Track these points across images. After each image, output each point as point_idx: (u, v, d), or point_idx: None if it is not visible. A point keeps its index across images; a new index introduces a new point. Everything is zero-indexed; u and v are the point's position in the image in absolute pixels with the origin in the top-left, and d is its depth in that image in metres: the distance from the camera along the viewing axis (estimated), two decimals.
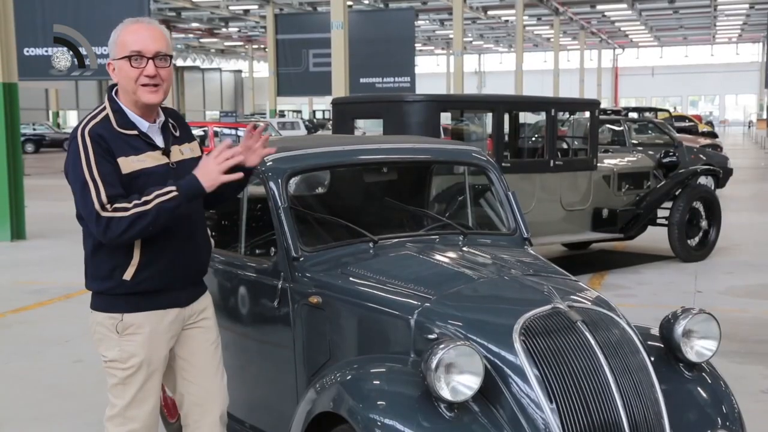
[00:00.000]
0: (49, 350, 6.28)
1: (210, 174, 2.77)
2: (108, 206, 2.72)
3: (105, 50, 13.34)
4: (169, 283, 2.94)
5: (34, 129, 38.49)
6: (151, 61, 2.83)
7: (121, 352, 2.92)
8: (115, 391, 2.96)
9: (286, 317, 3.46)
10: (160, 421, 3.19)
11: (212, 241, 3.24)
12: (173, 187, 2.75)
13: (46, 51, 13.40)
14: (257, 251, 4.05)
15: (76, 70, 13.46)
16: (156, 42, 2.85)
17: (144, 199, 2.73)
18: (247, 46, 58.81)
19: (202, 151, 3.08)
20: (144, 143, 2.88)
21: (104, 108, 2.90)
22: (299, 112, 55.19)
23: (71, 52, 13.29)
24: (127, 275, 2.86)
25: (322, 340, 3.33)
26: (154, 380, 2.99)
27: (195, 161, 2.92)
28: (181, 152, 2.98)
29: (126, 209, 2.72)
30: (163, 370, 3.03)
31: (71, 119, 56.70)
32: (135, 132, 2.88)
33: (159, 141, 2.93)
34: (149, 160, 2.86)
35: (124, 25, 2.90)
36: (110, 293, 2.91)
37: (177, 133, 3.02)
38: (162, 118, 2.97)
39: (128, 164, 2.81)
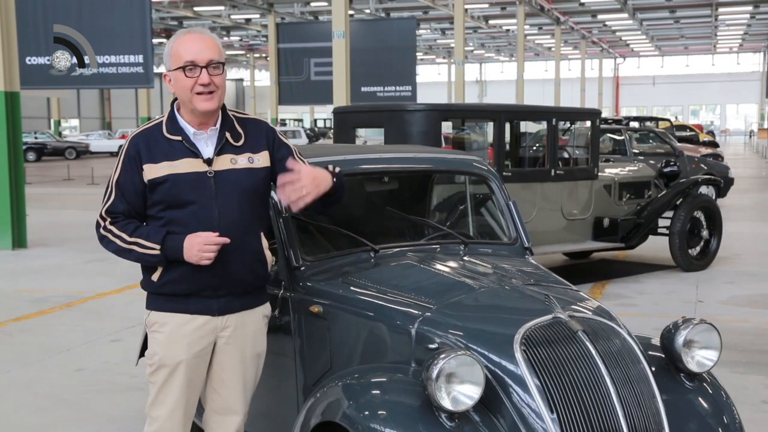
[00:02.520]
0: (50, 359, 6.28)
1: (191, 252, 2.88)
2: (107, 220, 2.96)
3: (107, 59, 13.40)
4: (195, 290, 2.96)
5: (36, 137, 38.54)
6: (204, 70, 2.91)
7: (149, 349, 3.06)
8: (149, 388, 3.09)
9: (286, 326, 3.46)
10: None
11: (269, 254, 3.15)
12: (158, 246, 2.90)
13: (48, 60, 13.42)
14: None
15: (75, 71, 13.45)
16: (208, 50, 2.93)
17: (131, 239, 2.92)
18: (248, 55, 58.94)
19: (278, 162, 3.06)
20: (185, 149, 2.95)
21: (164, 115, 3.04)
22: (300, 120, 55.37)
23: (71, 52, 13.27)
24: (155, 276, 2.99)
25: (322, 350, 3.33)
26: (175, 383, 3.00)
27: (250, 173, 2.99)
28: (231, 162, 2.98)
29: (116, 236, 2.94)
30: (185, 375, 3.00)
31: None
32: (179, 138, 2.96)
33: (204, 148, 2.97)
34: (184, 166, 2.93)
35: (176, 36, 2.99)
36: (147, 290, 3.07)
37: (238, 143, 3.02)
38: (217, 126, 3.00)
39: (154, 170, 2.92)
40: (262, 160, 3.04)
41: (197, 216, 2.91)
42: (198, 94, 2.91)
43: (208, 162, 2.95)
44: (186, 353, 2.99)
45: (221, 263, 2.93)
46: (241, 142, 3.02)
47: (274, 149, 3.08)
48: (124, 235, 2.93)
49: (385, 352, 3.09)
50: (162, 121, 3.01)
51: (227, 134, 3.01)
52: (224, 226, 2.92)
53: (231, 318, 3.04)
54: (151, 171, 2.92)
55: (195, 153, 2.95)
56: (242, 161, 3.00)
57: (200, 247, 2.86)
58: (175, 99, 3.05)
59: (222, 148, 2.99)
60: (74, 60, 13.40)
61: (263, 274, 3.13)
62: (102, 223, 2.98)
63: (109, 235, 2.95)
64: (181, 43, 2.94)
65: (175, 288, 2.97)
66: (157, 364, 3.01)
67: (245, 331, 3.08)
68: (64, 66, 13.36)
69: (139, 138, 2.98)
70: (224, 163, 2.97)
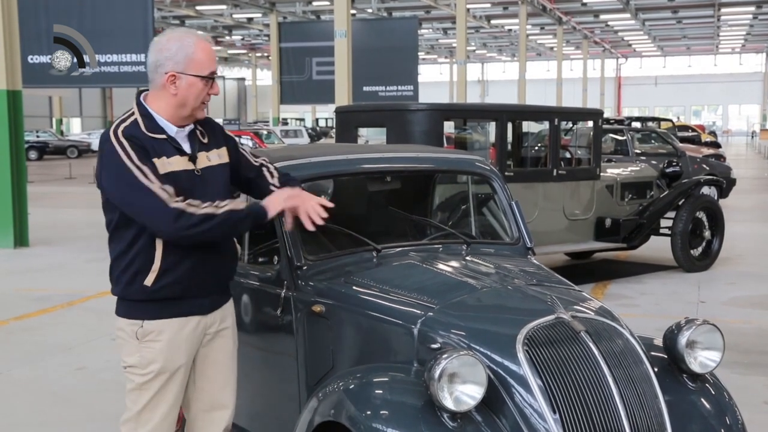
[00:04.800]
0: (52, 358, 6.28)
1: (308, 203, 2.97)
2: (178, 199, 2.77)
3: (108, 58, 13.41)
4: (190, 291, 2.93)
5: (38, 136, 38.54)
6: (214, 81, 2.94)
7: (140, 359, 2.92)
8: (132, 396, 2.97)
9: (288, 326, 3.46)
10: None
11: (238, 247, 3.21)
12: (243, 206, 2.88)
13: (49, 59, 13.43)
14: (260, 259, 4.05)
15: (75, 70, 13.46)
16: (216, 62, 2.99)
17: (216, 203, 2.83)
18: (250, 54, 58.97)
19: (235, 154, 3.10)
20: (172, 148, 2.89)
21: (132, 113, 2.90)
22: (302, 120, 55.28)
23: (71, 52, 13.27)
24: (148, 281, 2.86)
25: (324, 349, 3.33)
26: (172, 386, 2.97)
27: (222, 168, 3.01)
28: (208, 159, 2.98)
29: (198, 206, 2.79)
30: (182, 377, 2.99)
31: (74, 126, 56.81)
32: (164, 136, 2.89)
33: (186, 147, 2.94)
34: (176, 164, 2.88)
35: (191, 39, 2.88)
36: (132, 299, 2.91)
37: (205, 140, 3.01)
38: (191, 125, 2.98)
39: (162, 165, 2.83)
40: (224, 155, 3.06)
41: None
42: (203, 102, 2.92)
43: (193, 160, 2.92)
44: (185, 356, 2.97)
45: (211, 260, 2.92)
46: (206, 140, 3.02)
47: (228, 144, 3.10)
48: (209, 209, 2.79)
49: (387, 352, 3.09)
50: (136, 120, 2.87)
51: (198, 132, 3.00)
52: None
53: (216, 314, 3.05)
54: (162, 166, 2.82)
55: (181, 151, 2.91)
56: (214, 158, 3.00)
57: (315, 205, 2.96)
58: (140, 93, 2.96)
59: (198, 146, 2.97)
60: (74, 60, 13.41)
61: (236, 267, 3.17)
62: (172, 204, 2.73)
63: (189, 209, 2.75)
64: (201, 50, 2.87)
65: (170, 291, 2.89)
66: (156, 372, 2.92)
67: (226, 324, 3.11)
68: (64, 66, 13.37)
69: (133, 133, 2.83)
70: (203, 160, 2.96)
